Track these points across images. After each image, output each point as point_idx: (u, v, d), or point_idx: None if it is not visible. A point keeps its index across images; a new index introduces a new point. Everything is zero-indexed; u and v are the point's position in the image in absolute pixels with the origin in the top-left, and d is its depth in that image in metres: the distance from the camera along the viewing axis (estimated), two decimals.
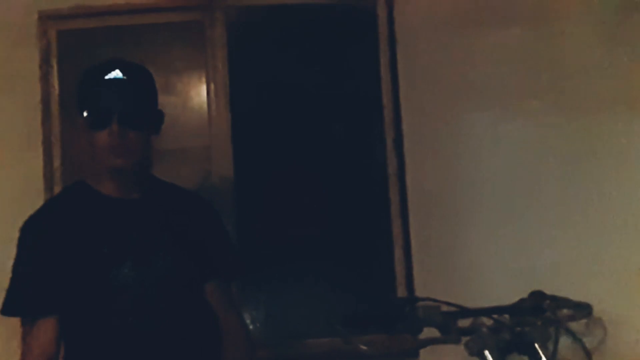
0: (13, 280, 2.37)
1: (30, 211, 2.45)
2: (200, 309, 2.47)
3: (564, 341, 2.35)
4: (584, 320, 2.57)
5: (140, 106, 2.38)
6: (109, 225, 2.38)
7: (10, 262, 2.40)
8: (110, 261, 2.33)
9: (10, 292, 2.37)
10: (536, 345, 2.17)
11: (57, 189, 3.24)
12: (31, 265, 2.36)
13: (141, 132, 2.37)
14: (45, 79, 3.37)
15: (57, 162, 3.34)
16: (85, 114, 2.35)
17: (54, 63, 3.39)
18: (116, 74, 2.37)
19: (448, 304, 2.15)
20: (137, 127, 2.36)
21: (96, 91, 2.36)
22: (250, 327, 3.32)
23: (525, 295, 2.44)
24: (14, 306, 2.37)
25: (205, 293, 2.49)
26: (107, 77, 2.36)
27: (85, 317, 2.34)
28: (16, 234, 2.41)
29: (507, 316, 2.24)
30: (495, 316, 2.19)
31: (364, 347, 2.08)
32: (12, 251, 2.41)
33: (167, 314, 2.37)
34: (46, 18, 3.38)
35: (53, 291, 2.33)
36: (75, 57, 3.40)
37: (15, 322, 2.46)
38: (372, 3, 3.41)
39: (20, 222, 2.44)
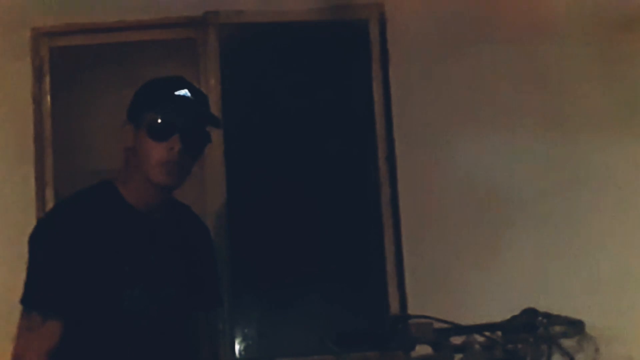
0: (35, 271, 2.32)
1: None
2: (187, 337, 2.48)
3: (557, 358, 2.35)
4: (576, 337, 2.58)
5: (201, 131, 2.37)
6: (133, 242, 2.36)
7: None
8: (127, 281, 2.32)
9: (32, 282, 2.32)
10: None
11: (48, 203, 3.24)
12: (57, 262, 2.31)
13: (195, 156, 2.37)
14: (37, 95, 3.36)
15: (49, 178, 3.34)
16: (148, 117, 2.31)
17: (47, 79, 3.39)
18: (185, 92, 2.35)
19: (441, 321, 2.15)
20: (194, 151, 2.35)
21: (165, 102, 2.33)
22: (243, 344, 3.32)
23: (517, 312, 2.44)
24: (36, 297, 2.31)
25: (193, 322, 2.52)
26: (177, 93, 2.34)
27: (87, 327, 2.33)
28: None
29: (499, 333, 2.25)
30: (487, 333, 2.20)
31: None
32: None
33: (160, 340, 2.37)
34: (39, 35, 3.38)
35: (69, 292, 2.30)
36: (67, 74, 3.41)
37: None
38: (365, 21, 3.42)
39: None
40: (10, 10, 3.37)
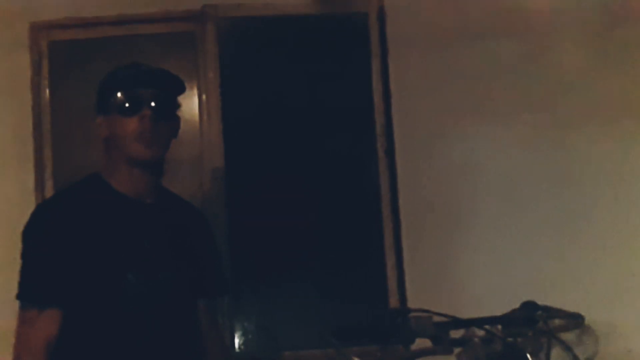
0: (29, 265, 2.34)
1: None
2: (190, 324, 2.48)
3: (556, 352, 2.36)
4: (576, 331, 2.58)
5: (169, 97, 2.42)
6: (124, 228, 2.38)
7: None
8: (120, 266, 2.33)
9: (26, 276, 2.34)
10: (528, 355, 2.17)
11: (48, 196, 3.24)
12: (50, 254, 2.33)
13: (170, 123, 2.41)
14: (36, 89, 3.36)
15: (48, 173, 3.34)
16: (115, 99, 2.37)
17: (46, 73, 3.39)
18: (146, 67, 2.44)
19: (440, 314, 2.15)
20: (167, 117, 2.39)
21: (128, 79, 2.39)
22: (243, 338, 3.32)
23: (517, 305, 2.45)
24: (31, 291, 2.33)
25: (196, 309, 2.52)
26: (142, 69, 2.43)
27: (86, 315, 2.33)
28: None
29: (499, 327, 2.24)
30: (487, 327, 2.20)
31: (357, 359, 2.08)
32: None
33: (161, 326, 2.37)
34: (38, 28, 3.38)
35: (65, 282, 2.31)
36: (66, 68, 3.41)
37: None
38: (364, 15, 3.42)
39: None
40: (9, 3, 3.36)
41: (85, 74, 3.39)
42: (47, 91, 3.39)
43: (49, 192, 3.30)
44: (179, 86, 2.48)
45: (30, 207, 2.85)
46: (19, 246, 2.40)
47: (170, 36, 3.44)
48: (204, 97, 3.38)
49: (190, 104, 3.40)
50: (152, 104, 2.36)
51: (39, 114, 3.37)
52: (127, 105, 2.36)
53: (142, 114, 2.34)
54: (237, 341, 3.30)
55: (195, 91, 3.41)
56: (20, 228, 2.42)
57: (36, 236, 2.37)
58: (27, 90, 3.35)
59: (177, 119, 2.46)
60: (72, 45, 3.42)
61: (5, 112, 3.32)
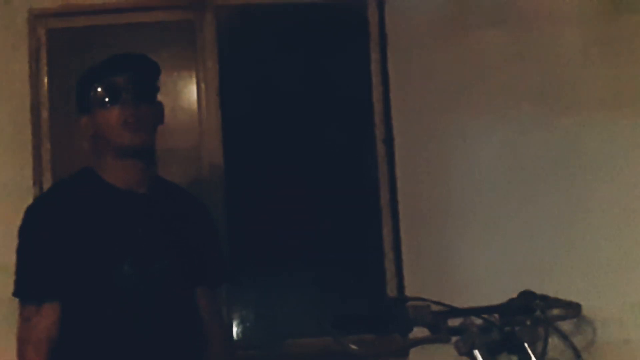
0: (24, 262, 2.36)
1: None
2: (190, 313, 2.49)
3: (554, 341, 2.36)
4: (573, 320, 2.59)
5: (146, 80, 2.43)
6: (117, 218, 2.39)
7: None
8: (115, 256, 2.35)
9: (22, 274, 2.36)
10: (526, 344, 2.17)
11: (46, 187, 3.24)
12: (44, 249, 2.35)
13: (152, 107, 2.41)
14: (34, 77, 3.36)
15: (46, 160, 3.33)
16: (93, 94, 2.38)
17: (44, 61, 3.38)
18: (122, 54, 2.45)
19: (438, 303, 2.15)
20: (147, 100, 2.40)
21: (104, 70, 2.40)
22: (241, 326, 3.33)
23: (514, 294, 2.45)
24: (27, 288, 2.35)
25: (196, 297, 2.52)
26: (112, 58, 2.43)
27: (84, 307, 2.35)
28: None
29: (496, 316, 2.24)
30: (485, 316, 2.20)
31: (354, 347, 2.08)
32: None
33: (159, 315, 2.37)
34: (36, 17, 3.37)
35: (61, 276, 2.33)
36: (65, 56, 3.40)
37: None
38: (363, 4, 3.41)
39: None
40: None
41: (84, 62, 3.38)
42: (46, 80, 3.38)
43: (46, 179, 3.30)
44: (153, 67, 2.47)
45: (28, 194, 2.87)
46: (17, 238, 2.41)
47: (169, 24, 3.43)
48: (202, 86, 3.38)
49: (188, 93, 3.40)
50: (129, 88, 2.37)
51: (37, 102, 3.36)
52: (105, 96, 2.37)
53: (122, 101, 2.36)
54: (235, 330, 3.31)
55: (194, 80, 3.40)
56: (18, 220, 2.42)
57: (30, 232, 2.39)
58: (26, 79, 3.34)
59: (159, 104, 2.47)
60: (71, 33, 3.41)
61: (3, 99, 3.31)
